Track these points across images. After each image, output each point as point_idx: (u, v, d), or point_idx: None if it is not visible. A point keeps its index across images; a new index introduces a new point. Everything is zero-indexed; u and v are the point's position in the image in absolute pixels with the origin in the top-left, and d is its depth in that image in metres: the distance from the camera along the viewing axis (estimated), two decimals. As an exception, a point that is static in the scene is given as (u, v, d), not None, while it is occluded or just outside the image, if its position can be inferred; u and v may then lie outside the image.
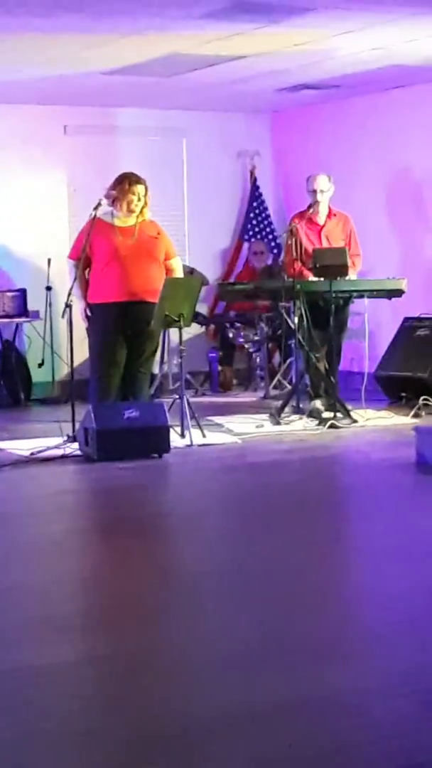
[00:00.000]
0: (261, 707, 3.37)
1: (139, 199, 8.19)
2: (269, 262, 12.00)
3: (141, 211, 8.23)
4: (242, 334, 11.30)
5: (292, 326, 9.12)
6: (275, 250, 12.11)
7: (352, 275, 9.26)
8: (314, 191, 9.46)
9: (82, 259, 8.08)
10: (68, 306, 7.97)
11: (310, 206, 9.53)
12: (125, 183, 8.22)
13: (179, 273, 8.48)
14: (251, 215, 12.18)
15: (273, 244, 12.12)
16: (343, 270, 8.98)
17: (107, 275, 8.08)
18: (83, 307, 8.18)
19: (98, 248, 8.14)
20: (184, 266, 11.14)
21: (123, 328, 8.16)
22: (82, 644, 4.03)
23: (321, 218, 9.51)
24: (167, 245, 8.40)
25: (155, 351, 8.57)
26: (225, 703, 3.42)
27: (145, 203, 8.24)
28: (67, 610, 4.45)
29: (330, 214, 9.52)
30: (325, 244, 9.40)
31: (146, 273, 8.19)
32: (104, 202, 8.18)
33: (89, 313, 8.18)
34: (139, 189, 8.21)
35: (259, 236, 12.13)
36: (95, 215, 8.11)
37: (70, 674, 3.73)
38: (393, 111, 10.92)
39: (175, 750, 3.10)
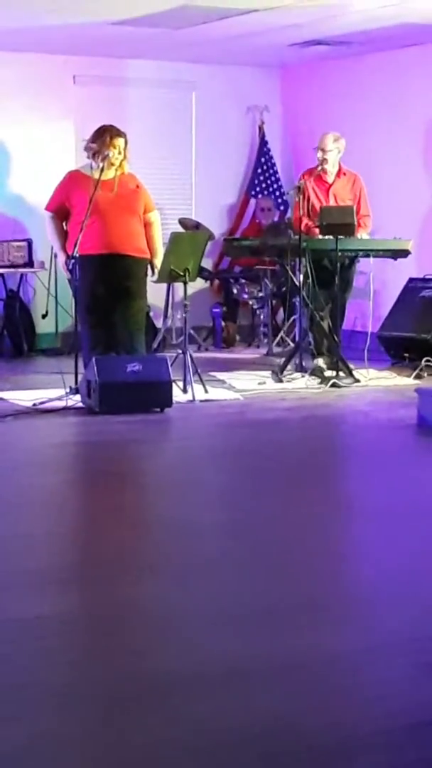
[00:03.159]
0: (252, 665, 3.36)
1: (119, 153, 8.16)
2: (276, 218, 11.96)
3: (120, 164, 8.20)
4: (247, 290, 11.28)
5: (297, 284, 9.10)
6: (282, 207, 12.07)
7: (362, 235, 9.25)
8: (316, 149, 9.45)
9: (77, 212, 8.01)
10: (73, 258, 7.96)
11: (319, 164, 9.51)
12: (106, 136, 8.19)
13: (158, 226, 8.43)
14: (259, 171, 12.12)
15: (280, 200, 12.08)
16: (349, 229, 8.95)
17: (87, 228, 7.97)
18: (64, 259, 8.17)
19: (78, 201, 8.10)
20: (191, 220, 11.17)
21: (106, 280, 8.12)
22: (68, 598, 4.02)
23: (330, 176, 9.49)
24: (146, 198, 8.36)
25: (143, 307, 8.48)
26: (215, 661, 3.41)
27: (125, 156, 8.21)
28: (56, 563, 4.45)
29: (339, 173, 9.49)
30: (332, 203, 9.37)
31: (127, 226, 8.16)
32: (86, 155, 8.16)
33: (69, 267, 8.12)
34: (120, 142, 8.18)
35: (266, 192, 12.08)
36: (102, 167, 8.07)
37: (52, 628, 3.72)
38: (405, 69, 10.83)
39: (161, 706, 3.11)
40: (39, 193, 10.94)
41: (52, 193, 8.37)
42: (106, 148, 8.13)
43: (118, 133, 8.21)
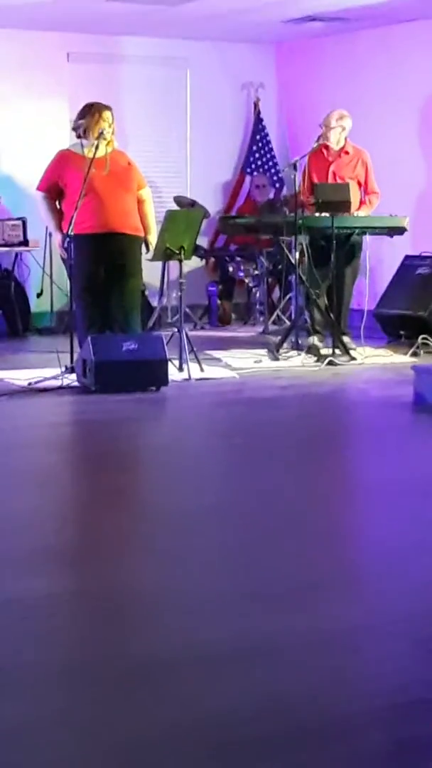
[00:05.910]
0: (248, 645, 3.35)
1: (109, 126, 8.10)
2: (271, 196, 11.93)
3: (110, 140, 8.13)
4: (242, 268, 11.26)
5: (293, 261, 9.08)
6: (278, 184, 12.04)
7: (365, 213, 9.23)
8: (321, 125, 9.46)
9: (71, 191, 7.98)
10: (68, 237, 7.93)
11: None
12: (95, 112, 8.13)
13: (151, 203, 8.37)
14: (254, 148, 12.07)
15: (275, 178, 12.04)
16: (344, 206, 8.92)
17: (82, 207, 7.90)
18: (60, 239, 8.13)
19: (71, 180, 8.04)
20: (186, 198, 11.13)
21: (102, 259, 8.08)
22: (64, 578, 4.00)
23: (331, 154, 9.45)
24: (138, 175, 8.31)
25: (138, 285, 8.44)
26: (211, 641, 3.40)
27: (113, 131, 8.15)
28: (52, 543, 4.42)
29: (342, 151, 9.45)
30: (331, 180, 9.33)
31: (122, 204, 8.10)
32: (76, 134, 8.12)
33: (65, 246, 8.09)
34: (109, 115, 8.12)
35: (261, 170, 12.04)
36: (97, 144, 8.01)
37: (47, 608, 3.70)
38: (400, 45, 10.79)
39: (156, 686, 3.10)
40: (32, 171, 10.92)
41: (44, 173, 8.30)
42: (97, 124, 8.08)
43: (106, 107, 8.16)
